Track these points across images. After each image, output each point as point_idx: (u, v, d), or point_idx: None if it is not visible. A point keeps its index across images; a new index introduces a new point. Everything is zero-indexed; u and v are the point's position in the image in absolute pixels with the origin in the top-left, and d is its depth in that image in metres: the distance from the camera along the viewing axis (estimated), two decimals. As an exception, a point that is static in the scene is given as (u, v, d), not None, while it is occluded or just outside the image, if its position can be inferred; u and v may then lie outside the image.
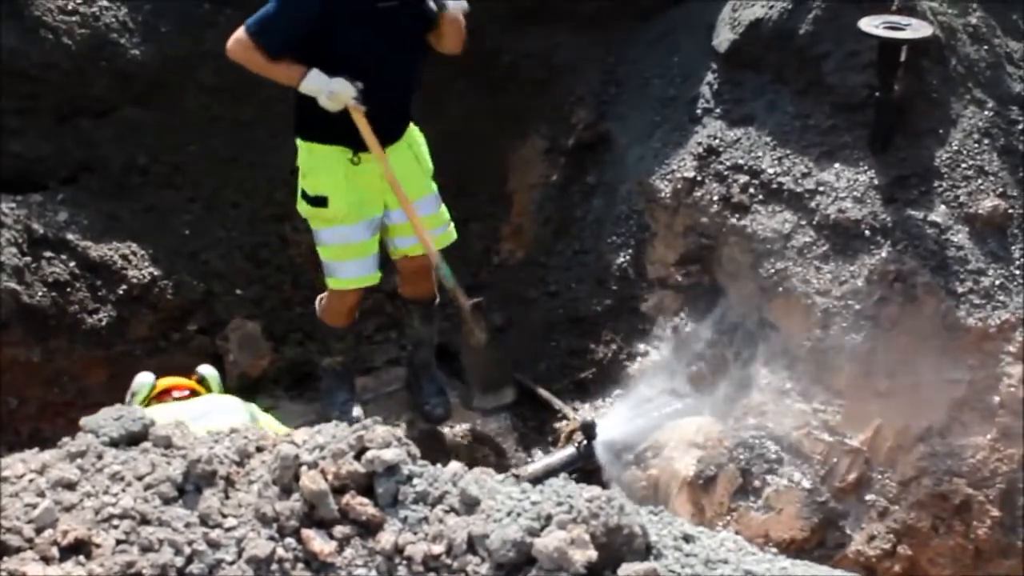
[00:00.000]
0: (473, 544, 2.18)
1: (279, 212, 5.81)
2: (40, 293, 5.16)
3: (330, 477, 2.25)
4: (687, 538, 2.30)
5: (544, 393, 5.73)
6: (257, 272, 5.91)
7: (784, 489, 4.93)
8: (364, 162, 4.79)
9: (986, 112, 5.37)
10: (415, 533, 2.20)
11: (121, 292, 5.45)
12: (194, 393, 4.36)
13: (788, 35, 5.60)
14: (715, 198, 5.55)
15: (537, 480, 2.85)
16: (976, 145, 5.26)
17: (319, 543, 2.19)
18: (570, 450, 5.29)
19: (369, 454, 2.28)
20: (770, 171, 5.43)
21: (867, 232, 5.09)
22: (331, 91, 4.58)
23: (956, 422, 4.84)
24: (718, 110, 5.81)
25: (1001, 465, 4.77)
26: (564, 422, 5.54)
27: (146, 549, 2.13)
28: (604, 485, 4.79)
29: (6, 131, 5.48)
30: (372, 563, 2.18)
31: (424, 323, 5.43)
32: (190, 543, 2.16)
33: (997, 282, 4.96)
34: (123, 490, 2.23)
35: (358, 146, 4.74)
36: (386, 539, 2.20)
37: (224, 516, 2.23)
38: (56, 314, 5.22)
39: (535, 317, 6.14)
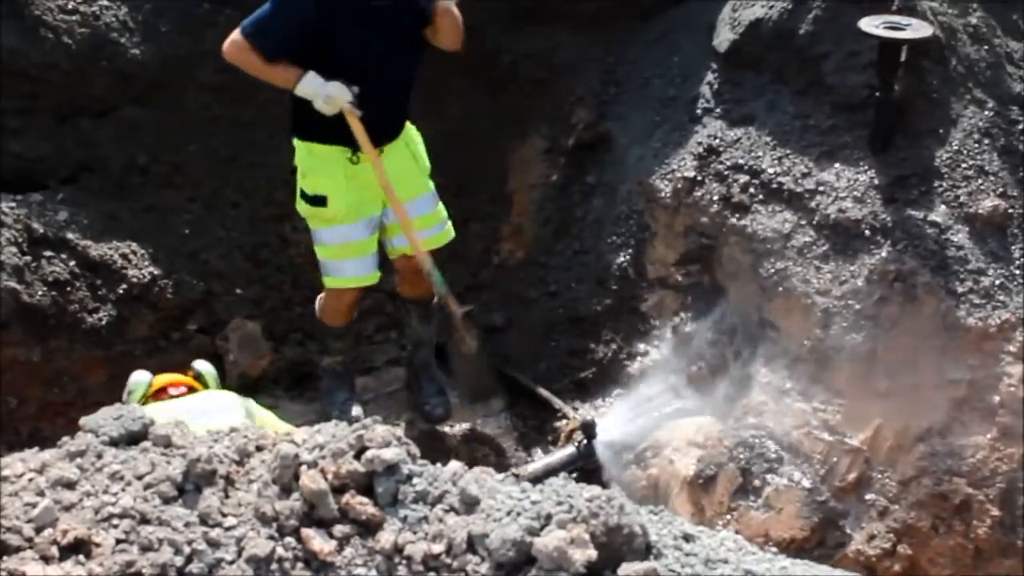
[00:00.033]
0: (473, 543, 2.17)
1: (279, 212, 5.81)
2: (40, 292, 5.16)
3: (330, 476, 2.25)
4: (687, 537, 2.30)
5: (544, 392, 5.73)
6: (257, 272, 5.91)
7: (784, 488, 4.92)
8: (363, 161, 4.80)
9: (986, 112, 5.37)
10: (415, 532, 2.20)
11: (121, 292, 5.45)
12: (191, 390, 4.36)
13: (788, 35, 5.59)
14: (715, 198, 5.55)
15: (537, 479, 2.85)
16: (976, 145, 5.26)
17: (319, 542, 2.19)
18: (570, 449, 5.30)
19: (369, 453, 2.27)
20: (770, 171, 5.42)
21: (867, 232, 5.09)
22: (327, 95, 4.58)
23: (956, 422, 4.84)
24: (718, 110, 5.81)
25: (1001, 465, 4.76)
26: (564, 421, 5.55)
27: (146, 548, 2.12)
28: (604, 484, 4.80)
29: (6, 131, 5.48)
30: (372, 562, 2.18)
31: (423, 322, 5.43)
32: (190, 542, 2.16)
33: (997, 282, 4.96)
34: (123, 489, 2.23)
35: (357, 145, 4.74)
36: (386, 538, 2.19)
37: (224, 515, 2.23)
38: (56, 313, 5.22)
39: (535, 317, 6.14)
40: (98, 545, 2.11)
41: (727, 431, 5.13)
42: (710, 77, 5.93)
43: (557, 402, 5.66)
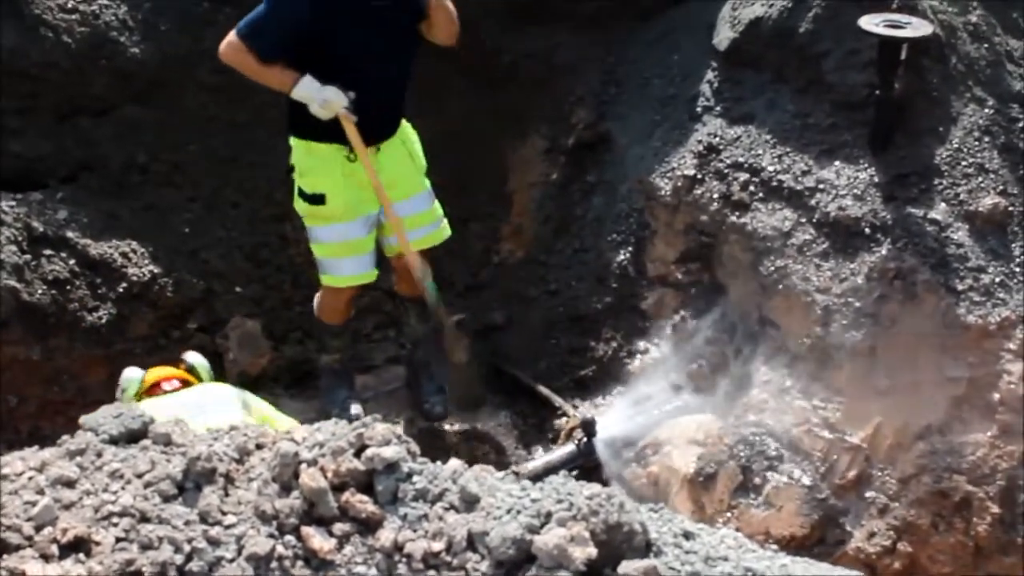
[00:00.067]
0: (473, 541, 2.17)
1: (279, 211, 5.81)
2: (40, 291, 5.16)
3: (330, 475, 2.25)
4: (687, 535, 2.30)
5: (544, 390, 5.73)
6: (257, 271, 5.92)
7: (784, 486, 4.92)
8: (360, 141, 4.79)
9: (986, 110, 5.37)
10: (415, 530, 2.20)
11: (121, 290, 5.45)
12: (184, 383, 4.36)
13: (788, 33, 5.59)
14: (715, 196, 5.55)
15: (537, 477, 2.85)
16: (976, 143, 5.26)
17: (319, 540, 2.19)
18: (570, 447, 5.30)
19: (369, 452, 2.27)
20: (770, 169, 5.42)
21: (867, 230, 5.09)
22: (323, 99, 4.59)
23: (956, 419, 4.84)
24: (718, 108, 5.80)
25: (1001, 462, 4.76)
26: (564, 419, 5.54)
27: (146, 547, 2.13)
28: (604, 482, 4.80)
29: (6, 130, 5.49)
30: (372, 561, 2.18)
31: (422, 320, 5.43)
32: (190, 541, 2.16)
33: (997, 280, 4.95)
34: (122, 488, 2.23)
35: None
36: (386, 536, 2.19)
37: (224, 514, 2.23)
38: (56, 312, 5.22)
39: (535, 316, 6.14)
40: (98, 543, 2.11)
41: (727, 429, 5.13)
42: (710, 76, 5.93)
43: (557, 400, 5.66)
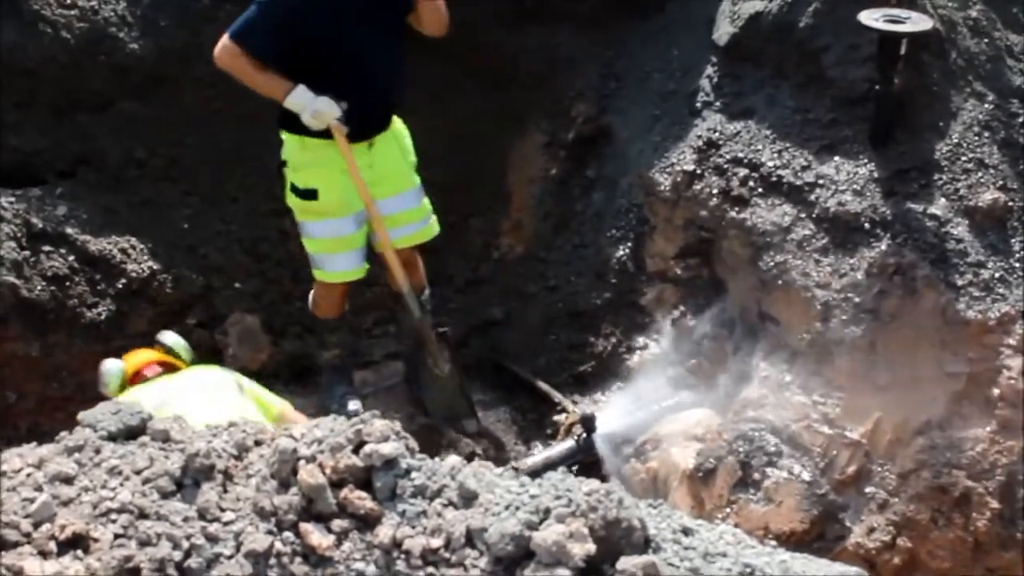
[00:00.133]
0: (471, 538, 2.17)
1: (278, 206, 5.78)
2: (39, 287, 5.17)
3: (328, 471, 2.25)
4: (686, 531, 2.30)
5: (543, 386, 5.74)
6: (256, 266, 5.92)
7: (784, 482, 4.92)
8: (353, 154, 4.80)
9: (986, 105, 5.36)
10: (413, 527, 2.20)
11: (120, 286, 5.46)
12: (164, 366, 4.34)
13: (788, 28, 5.59)
14: (715, 191, 5.54)
15: (537, 473, 2.85)
16: (976, 138, 5.25)
17: (317, 537, 2.19)
18: (569, 443, 5.30)
19: (367, 448, 2.27)
20: (770, 164, 5.42)
21: (867, 225, 5.09)
22: (315, 109, 4.59)
23: (956, 415, 4.84)
24: (718, 104, 5.80)
25: (1001, 457, 4.76)
26: (564, 415, 5.55)
27: (144, 543, 2.12)
28: (604, 478, 4.80)
29: (4, 125, 5.49)
30: (370, 557, 2.18)
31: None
32: (188, 537, 2.16)
33: (997, 275, 4.95)
34: (121, 484, 2.23)
35: (347, 138, 4.74)
36: (384, 533, 2.19)
37: (222, 510, 2.23)
38: (55, 308, 5.22)
39: (535, 311, 6.14)
40: (96, 540, 2.11)
41: (727, 424, 5.13)
42: (710, 71, 5.92)
43: (556, 396, 5.67)
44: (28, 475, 2.23)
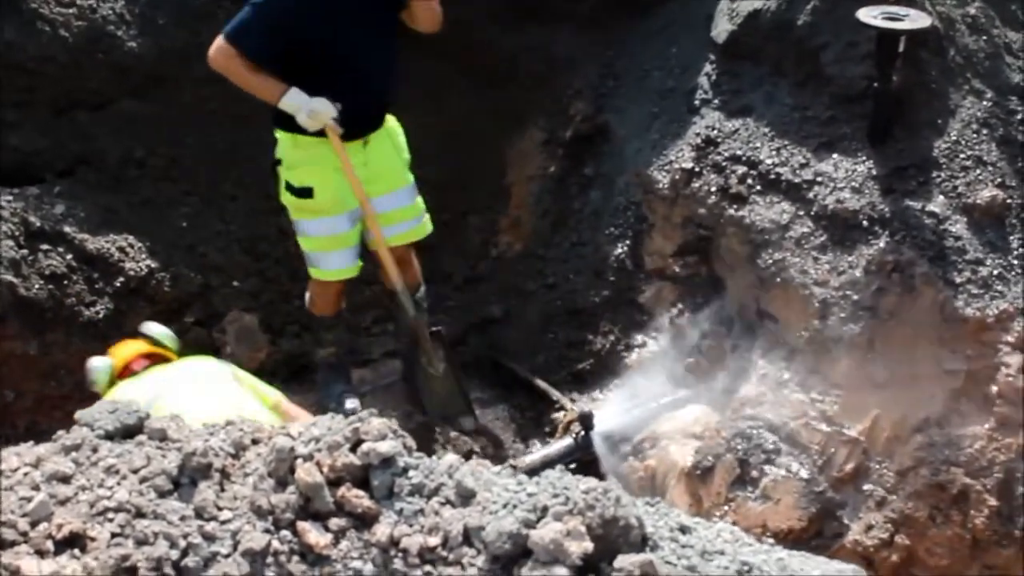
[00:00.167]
0: (469, 536, 2.17)
1: (276, 205, 5.77)
2: (37, 286, 5.16)
3: (325, 470, 2.25)
4: (683, 529, 2.30)
5: (542, 384, 5.74)
6: (254, 265, 5.92)
7: (782, 479, 4.92)
8: (347, 152, 4.80)
9: (985, 102, 5.36)
10: (411, 525, 2.20)
11: (118, 285, 5.45)
12: (151, 357, 4.33)
13: (786, 26, 5.59)
14: (713, 189, 5.54)
15: (535, 471, 2.85)
16: (975, 135, 5.25)
17: (315, 536, 2.19)
18: (568, 441, 5.30)
19: (365, 446, 2.27)
20: (768, 162, 5.42)
21: (865, 223, 5.09)
22: (311, 110, 4.60)
23: (954, 412, 4.84)
24: (716, 101, 5.80)
25: (999, 455, 4.76)
26: (562, 413, 5.54)
27: (141, 542, 2.12)
28: (602, 476, 4.81)
29: (3, 124, 5.49)
30: (368, 555, 2.18)
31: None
32: (185, 536, 2.16)
33: (995, 272, 4.95)
34: (118, 483, 2.23)
35: (342, 136, 4.75)
36: (382, 531, 2.19)
37: (219, 509, 2.23)
38: (53, 307, 5.22)
39: (533, 309, 6.14)
40: (93, 539, 2.11)
41: (725, 422, 5.13)
42: (708, 69, 5.92)
43: (555, 394, 5.67)
44: (25, 474, 2.23)
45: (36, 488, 2.20)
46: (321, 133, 4.70)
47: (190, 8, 5.99)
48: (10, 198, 5.25)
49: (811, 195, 5.25)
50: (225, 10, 5.64)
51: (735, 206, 5.45)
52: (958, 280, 4.92)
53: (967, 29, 5.53)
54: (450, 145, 6.32)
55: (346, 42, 4.66)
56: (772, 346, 5.23)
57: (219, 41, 4.60)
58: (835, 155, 5.31)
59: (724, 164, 5.55)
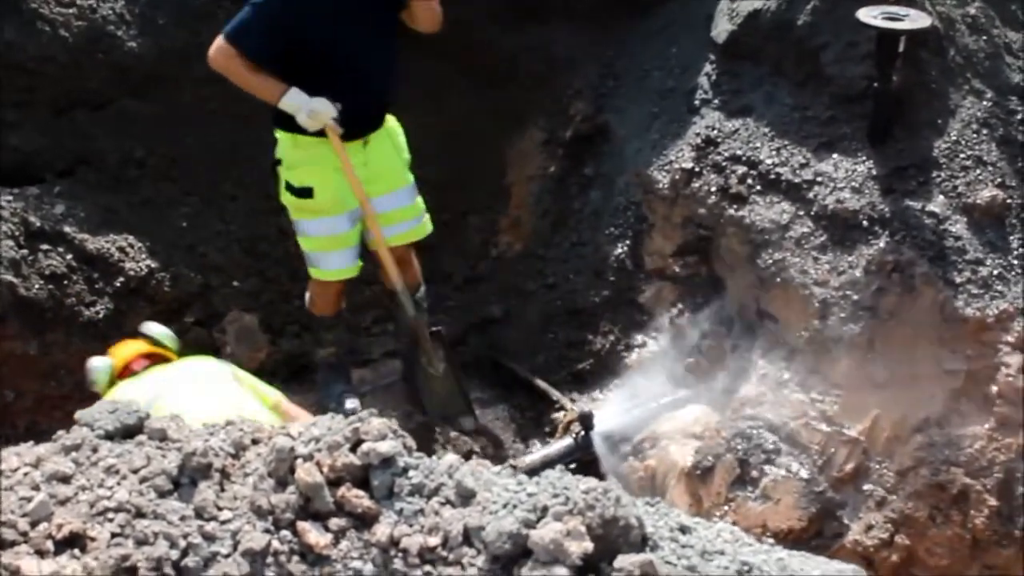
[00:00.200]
0: (469, 536, 2.17)
1: (276, 205, 5.79)
2: (37, 286, 5.16)
3: (325, 470, 2.25)
4: (683, 529, 2.30)
5: (542, 384, 5.73)
6: (254, 265, 5.92)
7: (782, 479, 4.92)
8: (347, 152, 4.80)
9: (985, 102, 5.36)
10: (411, 525, 2.20)
11: (118, 285, 5.45)
12: (151, 357, 4.33)
13: (786, 26, 5.58)
14: (713, 189, 5.54)
15: (535, 471, 2.85)
16: (975, 135, 5.25)
17: (315, 536, 2.19)
18: (568, 441, 5.29)
19: (365, 446, 2.27)
20: (768, 162, 5.42)
21: (865, 223, 5.09)
22: (311, 110, 4.60)
23: (954, 412, 4.84)
24: (716, 101, 5.80)
25: (999, 455, 4.76)
26: (562, 413, 5.54)
27: (141, 542, 2.12)
28: (602, 476, 4.80)
29: (3, 124, 5.48)
30: (368, 555, 2.18)
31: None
32: (185, 536, 2.16)
33: (995, 272, 4.95)
34: (118, 483, 2.23)
35: (342, 136, 4.75)
36: (382, 531, 2.19)
37: (219, 509, 2.23)
38: (53, 307, 5.22)
39: (533, 309, 6.14)
40: (93, 539, 2.11)
41: (725, 422, 5.13)
42: (708, 69, 5.92)
43: (555, 394, 5.67)
44: (25, 474, 2.22)
45: (36, 488, 2.20)
46: (321, 133, 4.70)
47: (190, 8, 5.99)
48: (10, 198, 5.25)
49: (811, 195, 5.25)
50: (225, 10, 5.64)
51: (735, 206, 5.45)
52: (958, 280, 4.92)
53: (967, 29, 5.53)
54: (450, 145, 6.31)
55: (346, 42, 4.66)
56: (772, 346, 5.23)
57: (219, 41, 4.60)
58: (835, 155, 5.31)
59: (724, 164, 5.55)
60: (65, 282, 5.28)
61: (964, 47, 5.46)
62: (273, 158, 4.96)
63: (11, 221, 5.15)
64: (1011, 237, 5.07)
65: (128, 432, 2.39)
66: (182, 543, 2.15)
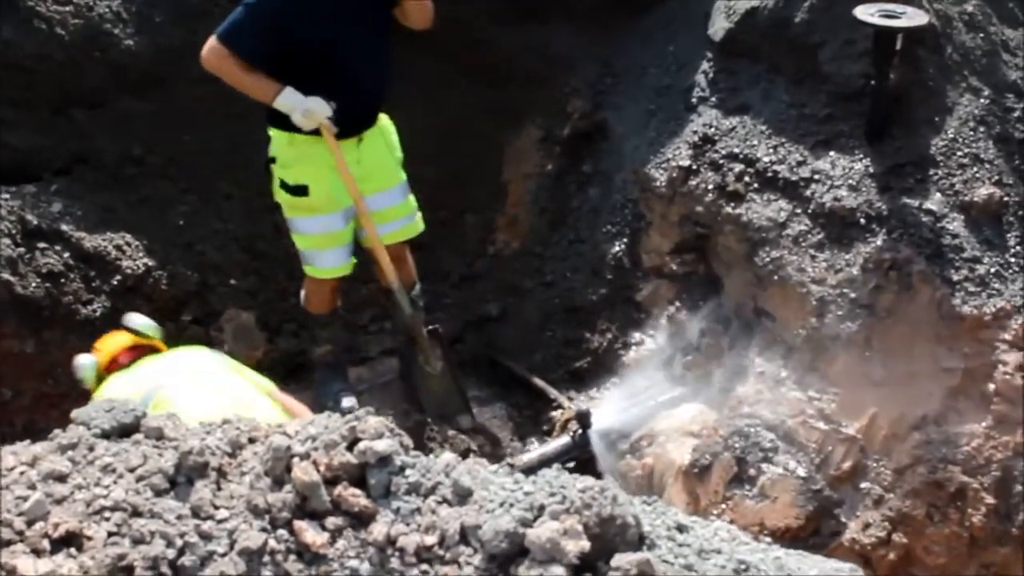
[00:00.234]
0: (466, 535, 2.17)
1: (273, 203, 5.80)
2: (34, 284, 5.15)
3: (322, 468, 2.24)
4: (680, 528, 2.30)
5: (539, 382, 5.73)
6: (251, 263, 5.91)
7: (779, 477, 4.93)
8: (341, 150, 4.80)
9: (982, 100, 5.36)
10: (407, 524, 2.20)
11: (115, 283, 5.45)
12: (139, 350, 4.32)
13: (784, 24, 5.58)
14: (710, 187, 5.54)
15: (532, 469, 2.85)
16: (972, 133, 5.25)
17: (311, 534, 2.19)
18: (565, 439, 5.29)
19: (361, 445, 2.27)
20: (765, 160, 5.42)
21: (862, 220, 5.09)
22: (306, 109, 4.59)
23: (951, 410, 4.84)
24: (714, 99, 5.80)
25: (996, 453, 4.76)
26: (559, 411, 5.54)
27: (137, 541, 2.12)
28: (599, 474, 4.81)
29: (0, 123, 5.47)
30: (364, 554, 2.17)
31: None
32: (182, 535, 2.15)
33: (992, 270, 4.95)
34: (114, 482, 2.22)
35: (336, 135, 4.75)
36: (378, 530, 2.19)
37: (216, 508, 2.23)
38: (50, 305, 5.21)
39: (531, 307, 6.14)
40: (90, 538, 2.11)
41: (722, 420, 5.13)
42: (705, 66, 5.92)
43: (552, 392, 5.67)
44: (21, 473, 2.22)
45: (32, 487, 2.19)
46: (316, 132, 4.70)
47: (186, 6, 5.98)
48: (7, 196, 5.25)
49: (808, 193, 5.25)
50: (221, 8, 5.63)
51: (732, 204, 5.45)
52: (955, 278, 4.92)
53: (964, 27, 5.53)
54: (448, 143, 6.31)
55: (339, 41, 4.66)
56: (769, 344, 5.23)
57: (211, 41, 4.60)
58: (832, 153, 5.31)
59: (721, 162, 5.55)
60: (62, 280, 5.27)
61: (961, 45, 5.46)
62: (266, 156, 4.95)
63: (8, 219, 5.14)
64: (1008, 235, 5.08)
65: (124, 431, 2.38)
66: (179, 542, 2.14)
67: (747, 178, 5.44)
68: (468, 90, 6.51)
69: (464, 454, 4.92)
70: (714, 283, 5.61)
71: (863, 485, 4.89)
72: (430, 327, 5.36)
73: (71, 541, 2.10)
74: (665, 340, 5.62)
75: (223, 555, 2.15)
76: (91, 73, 5.73)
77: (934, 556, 4.83)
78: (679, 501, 4.96)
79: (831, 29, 5.43)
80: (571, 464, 5.09)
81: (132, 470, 2.26)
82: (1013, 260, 5.00)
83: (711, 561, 2.21)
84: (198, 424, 2.50)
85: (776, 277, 5.20)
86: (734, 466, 4.98)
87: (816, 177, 5.26)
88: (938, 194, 5.10)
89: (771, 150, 5.43)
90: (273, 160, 4.92)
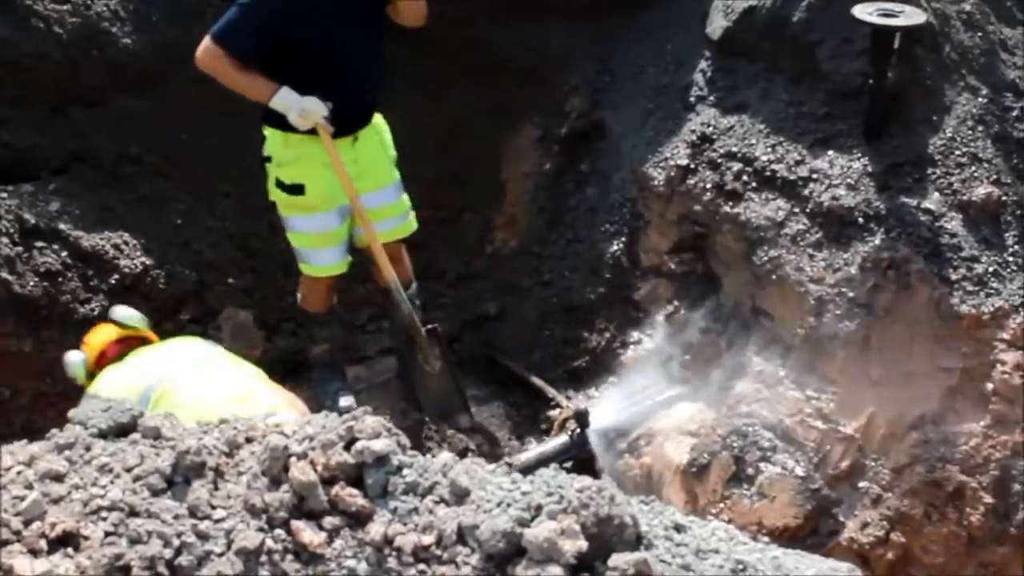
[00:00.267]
0: (463, 535, 2.17)
1: (271, 202, 5.80)
2: (32, 283, 5.15)
3: (319, 468, 2.24)
4: (678, 528, 2.29)
5: (537, 381, 5.73)
6: (249, 262, 5.91)
7: (777, 477, 4.93)
8: (336, 149, 4.80)
9: (980, 99, 5.36)
10: (405, 524, 2.19)
11: (113, 282, 5.44)
12: (128, 342, 4.30)
13: (782, 22, 5.58)
14: (708, 186, 5.54)
15: (531, 469, 2.85)
16: (970, 132, 5.25)
17: (308, 534, 2.18)
18: (564, 438, 5.29)
19: (359, 445, 2.26)
20: (763, 159, 5.42)
21: (860, 219, 5.09)
22: (302, 109, 4.59)
23: (949, 409, 4.84)
24: (712, 98, 5.80)
25: (994, 452, 4.77)
26: (557, 411, 5.54)
27: (134, 541, 2.12)
28: (597, 473, 4.81)
29: (-2, 121, 5.47)
30: (362, 554, 2.17)
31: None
32: (179, 535, 2.15)
33: (991, 269, 4.95)
34: (112, 482, 2.22)
35: (332, 134, 4.75)
36: (376, 530, 2.18)
37: (213, 508, 2.22)
38: (48, 304, 5.20)
39: (529, 306, 6.14)
40: (87, 538, 2.10)
41: (720, 419, 5.13)
42: (703, 65, 5.92)
43: (551, 391, 5.67)
44: (18, 472, 2.22)
45: (29, 487, 2.19)
46: (312, 131, 4.70)
47: (183, 5, 5.98)
48: (5, 195, 5.24)
49: (806, 192, 5.25)
50: (215, 7, 5.62)
51: (730, 203, 5.45)
52: (953, 277, 4.92)
53: (962, 25, 5.53)
54: (446, 142, 6.31)
55: (334, 40, 4.65)
56: (767, 343, 5.23)
57: (206, 42, 4.59)
58: (830, 152, 5.31)
59: (719, 161, 5.55)
60: (60, 279, 5.27)
61: (959, 44, 5.46)
62: (261, 155, 4.95)
63: (6, 218, 5.14)
64: (1006, 234, 5.08)
65: (121, 430, 2.38)
66: (176, 542, 2.14)
67: (745, 177, 5.44)
68: (466, 89, 6.51)
69: (462, 453, 4.92)
70: (712, 282, 5.61)
71: (861, 484, 4.90)
72: (428, 326, 5.36)
73: (68, 541, 2.10)
74: (663, 339, 5.62)
75: (220, 555, 2.15)
76: (89, 72, 5.73)
77: (932, 555, 4.83)
78: (677, 500, 4.96)
79: (829, 28, 5.43)
80: (569, 463, 5.09)
81: (129, 470, 2.25)
82: (1011, 259, 5.00)
83: (709, 561, 2.21)
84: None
85: (774, 276, 5.20)
86: (732, 465, 4.99)
87: (814, 176, 5.26)
88: (936, 193, 5.10)
89: (769, 149, 5.43)
90: (268, 159, 4.92)
